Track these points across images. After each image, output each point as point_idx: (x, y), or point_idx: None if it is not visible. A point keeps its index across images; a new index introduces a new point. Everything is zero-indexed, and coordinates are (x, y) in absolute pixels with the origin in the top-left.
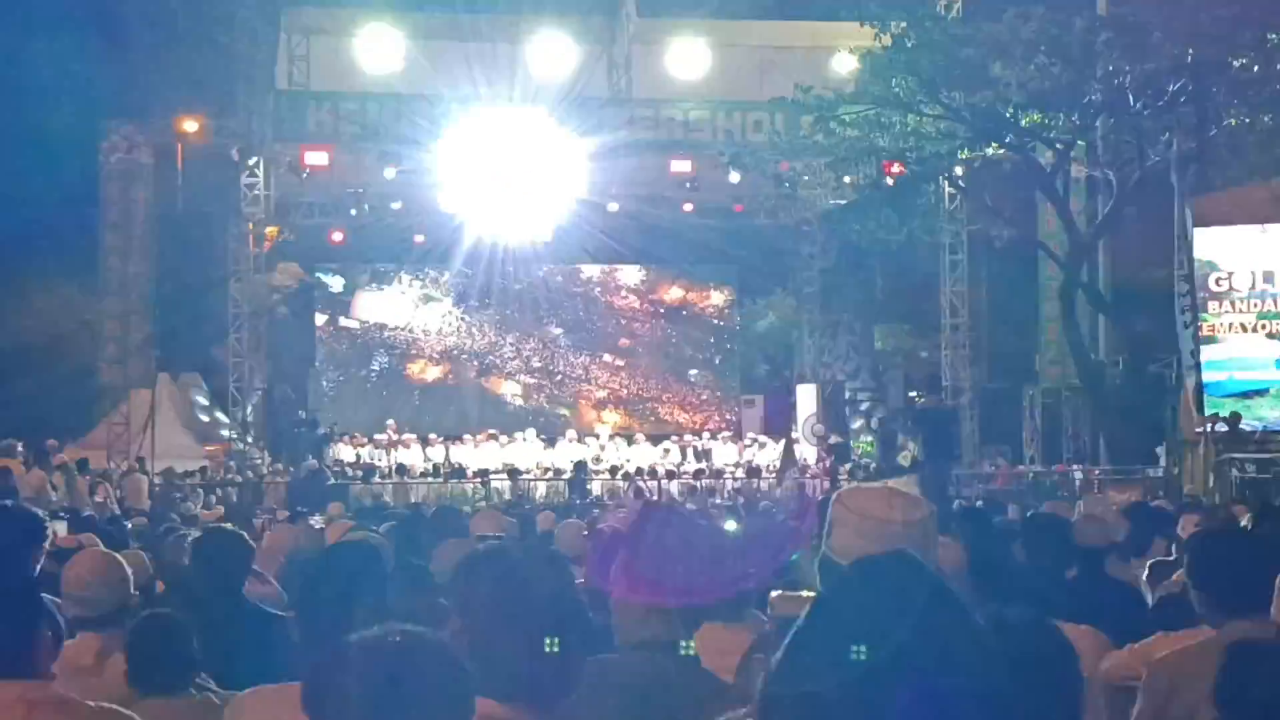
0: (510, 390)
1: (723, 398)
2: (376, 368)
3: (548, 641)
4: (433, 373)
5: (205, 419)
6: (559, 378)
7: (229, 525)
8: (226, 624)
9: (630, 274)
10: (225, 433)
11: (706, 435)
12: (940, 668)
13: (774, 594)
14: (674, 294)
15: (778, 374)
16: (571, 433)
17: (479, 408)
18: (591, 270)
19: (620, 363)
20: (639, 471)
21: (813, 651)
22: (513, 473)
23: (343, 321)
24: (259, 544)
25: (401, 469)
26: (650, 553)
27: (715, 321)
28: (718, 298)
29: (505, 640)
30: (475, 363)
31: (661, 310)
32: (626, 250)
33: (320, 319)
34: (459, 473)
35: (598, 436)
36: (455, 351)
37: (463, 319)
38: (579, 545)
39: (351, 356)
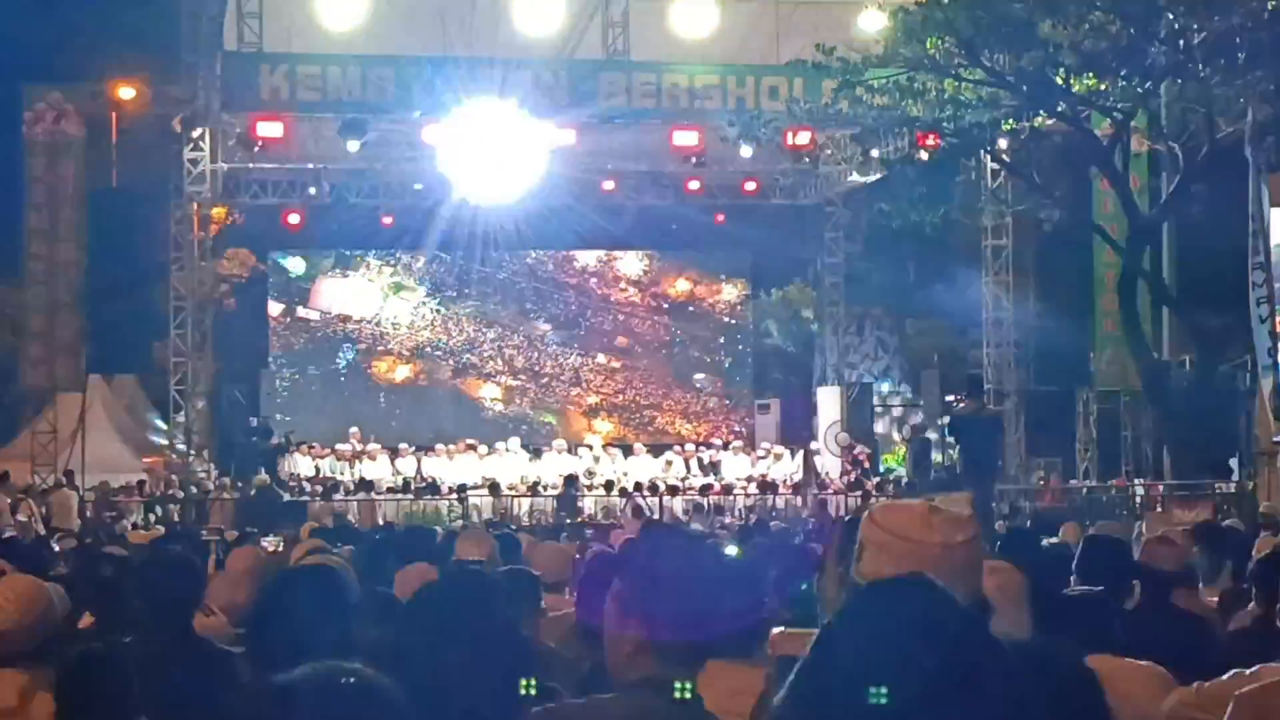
0: (489, 394)
1: (732, 406)
2: (339, 365)
3: (524, 684)
4: (402, 372)
5: (143, 427)
6: (545, 380)
7: (176, 548)
8: (170, 661)
9: (631, 263)
10: (166, 442)
11: (715, 445)
12: (961, 706)
13: (775, 631)
14: (680, 287)
15: (795, 375)
16: (560, 443)
17: (453, 413)
18: (587, 258)
19: (616, 364)
20: (637, 487)
21: (818, 688)
22: (494, 488)
23: (301, 312)
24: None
25: (367, 484)
26: (646, 580)
27: (726, 319)
28: (730, 292)
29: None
30: (450, 361)
31: (665, 306)
32: (622, 235)
33: (275, 309)
34: (433, 488)
35: (590, 447)
36: (428, 348)
37: (438, 311)
38: (559, 570)
39: (310, 352)
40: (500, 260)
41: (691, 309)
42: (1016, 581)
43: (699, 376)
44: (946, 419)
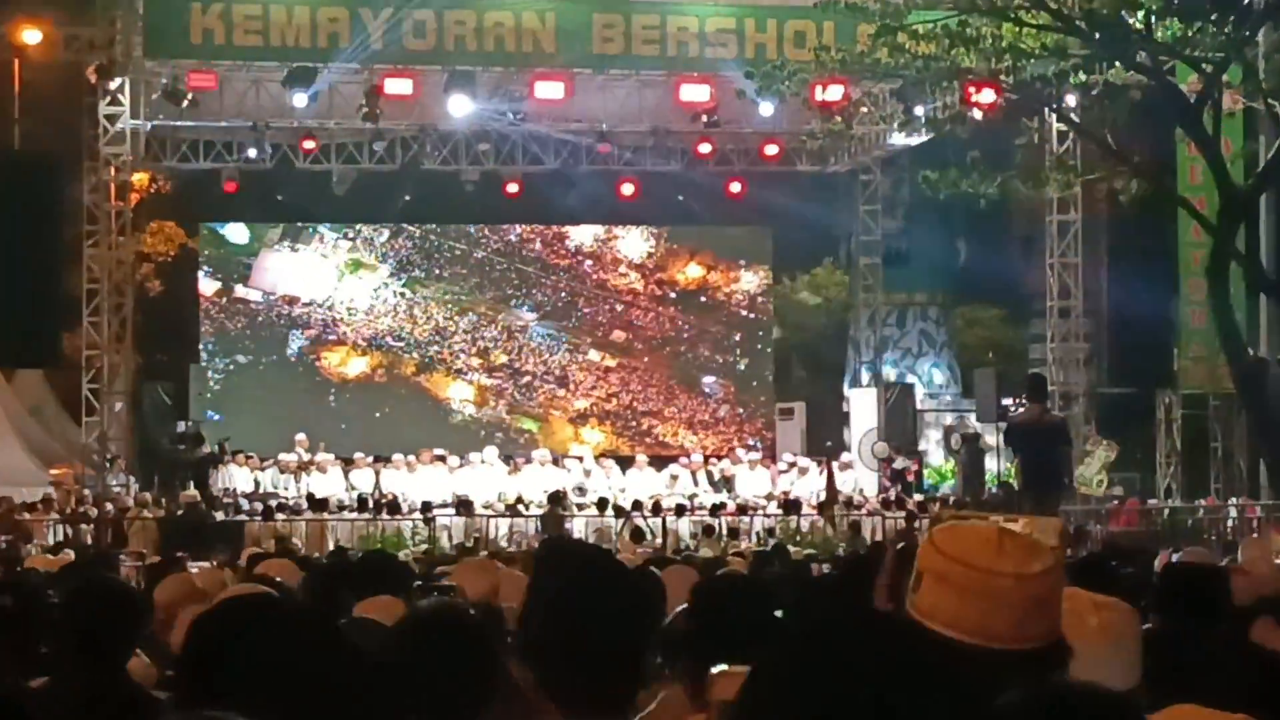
0: (459, 394)
1: (747, 416)
2: (283, 356)
3: None
4: (357, 366)
5: (49, 433)
6: (526, 380)
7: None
8: (93, 711)
9: (634, 243)
10: (77, 451)
11: (729, 458)
12: None
13: (714, 670)
14: (691, 273)
15: (824, 375)
16: (543, 453)
17: (415, 417)
18: (581, 236)
19: (611, 363)
20: (636, 506)
21: None
22: (465, 506)
23: (240, 291)
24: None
25: (316, 501)
26: (538, 612)
27: (744, 313)
28: (749, 280)
29: None
30: (414, 355)
31: (673, 295)
32: (619, 207)
33: (209, 287)
34: (393, 506)
35: (580, 459)
36: (388, 338)
37: (401, 294)
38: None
39: (248, 340)
40: (479, 236)
41: (703, 299)
42: (1125, 620)
43: (708, 380)
44: (1003, 426)
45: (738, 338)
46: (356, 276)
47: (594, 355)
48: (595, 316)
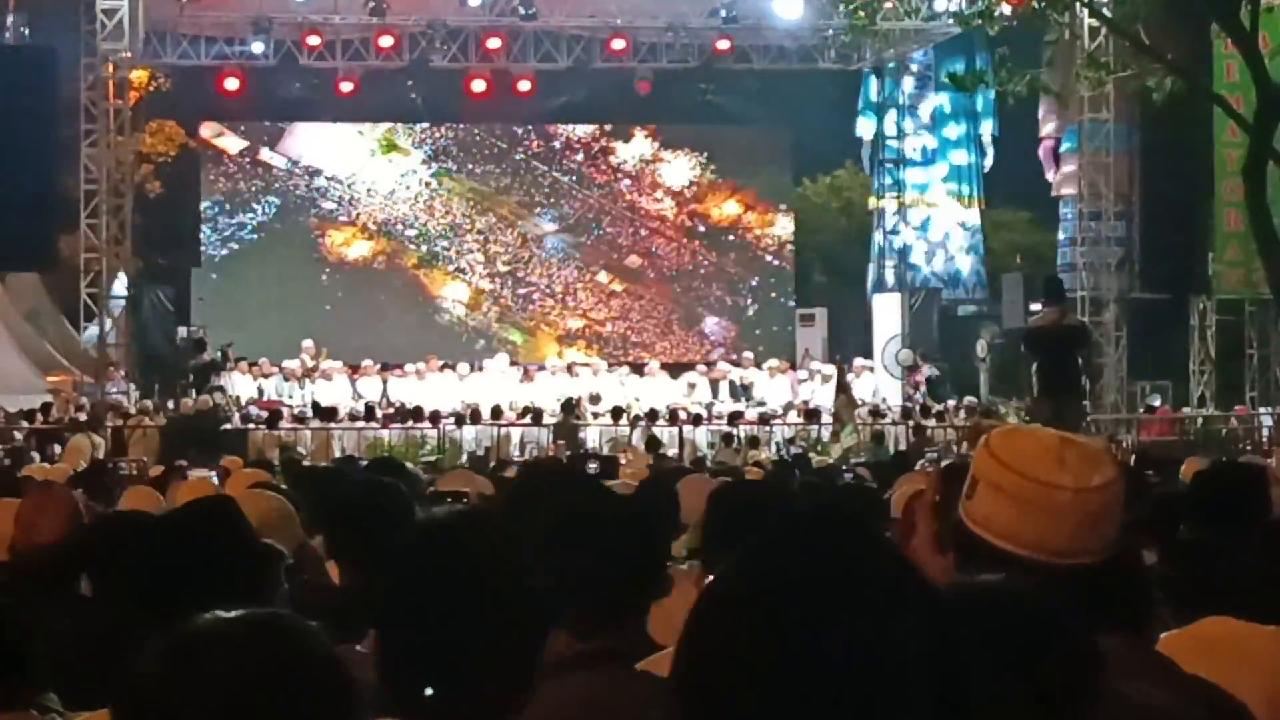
0: (453, 294)
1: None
2: (287, 225)
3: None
4: (359, 249)
5: (46, 338)
6: (526, 291)
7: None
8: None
9: (679, 170)
10: (75, 357)
11: (749, 365)
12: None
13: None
14: (727, 210)
15: (846, 282)
16: (556, 360)
17: (401, 308)
18: (628, 153)
19: (618, 287)
20: (652, 414)
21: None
22: (485, 413)
23: (265, 154)
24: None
25: (322, 409)
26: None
27: (769, 258)
28: (783, 226)
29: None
30: (420, 247)
31: (702, 229)
32: (635, 107)
33: (234, 145)
34: (405, 414)
35: (590, 365)
36: (399, 225)
37: (427, 184)
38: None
39: (257, 204)
40: (523, 136)
41: (731, 237)
42: None
43: (711, 321)
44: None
45: (754, 282)
46: (387, 158)
47: (603, 277)
48: (617, 238)
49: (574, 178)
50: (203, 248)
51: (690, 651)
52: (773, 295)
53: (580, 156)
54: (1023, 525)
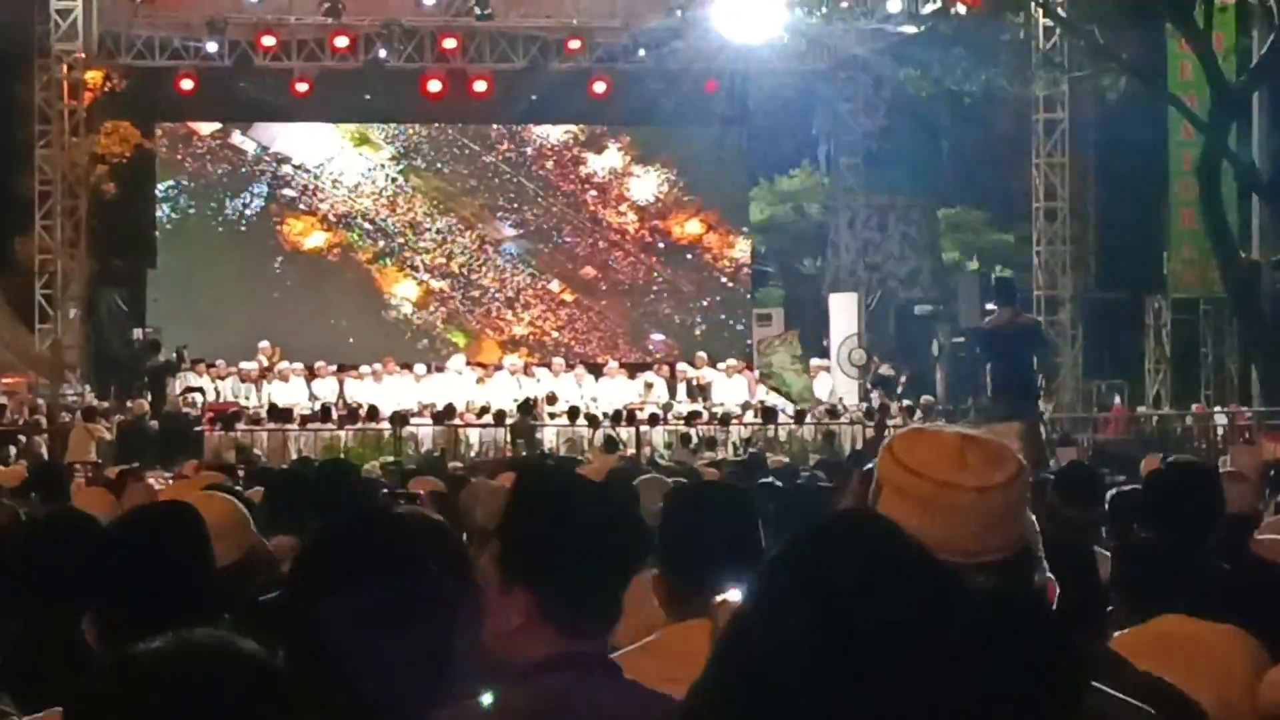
0: (403, 291)
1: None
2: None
3: None
4: (315, 239)
5: (1, 340)
6: (476, 294)
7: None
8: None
9: (647, 185)
10: (29, 360)
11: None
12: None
13: (717, 599)
14: (690, 229)
15: (801, 282)
16: (514, 360)
17: (348, 302)
18: (600, 164)
19: (568, 297)
20: (616, 415)
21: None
22: (444, 414)
23: (236, 138)
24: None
25: (279, 412)
26: (530, 529)
27: (724, 280)
28: (742, 249)
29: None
30: (377, 243)
31: (662, 245)
32: (592, 108)
33: (206, 128)
34: (360, 414)
35: (549, 366)
36: (359, 219)
37: (393, 180)
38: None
39: (220, 186)
40: (495, 140)
41: (690, 256)
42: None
43: (657, 338)
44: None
45: (705, 302)
46: (358, 151)
47: (554, 285)
48: (575, 248)
49: (540, 184)
50: (156, 231)
51: (737, 653)
52: (722, 317)
53: (551, 164)
54: (927, 527)
